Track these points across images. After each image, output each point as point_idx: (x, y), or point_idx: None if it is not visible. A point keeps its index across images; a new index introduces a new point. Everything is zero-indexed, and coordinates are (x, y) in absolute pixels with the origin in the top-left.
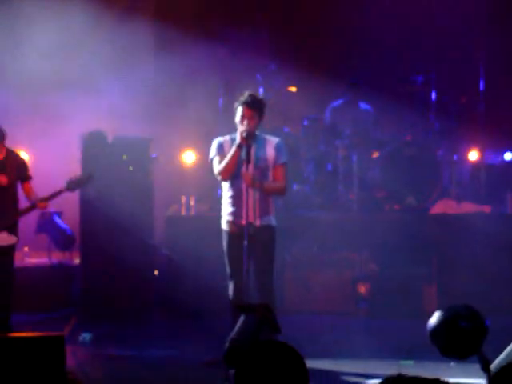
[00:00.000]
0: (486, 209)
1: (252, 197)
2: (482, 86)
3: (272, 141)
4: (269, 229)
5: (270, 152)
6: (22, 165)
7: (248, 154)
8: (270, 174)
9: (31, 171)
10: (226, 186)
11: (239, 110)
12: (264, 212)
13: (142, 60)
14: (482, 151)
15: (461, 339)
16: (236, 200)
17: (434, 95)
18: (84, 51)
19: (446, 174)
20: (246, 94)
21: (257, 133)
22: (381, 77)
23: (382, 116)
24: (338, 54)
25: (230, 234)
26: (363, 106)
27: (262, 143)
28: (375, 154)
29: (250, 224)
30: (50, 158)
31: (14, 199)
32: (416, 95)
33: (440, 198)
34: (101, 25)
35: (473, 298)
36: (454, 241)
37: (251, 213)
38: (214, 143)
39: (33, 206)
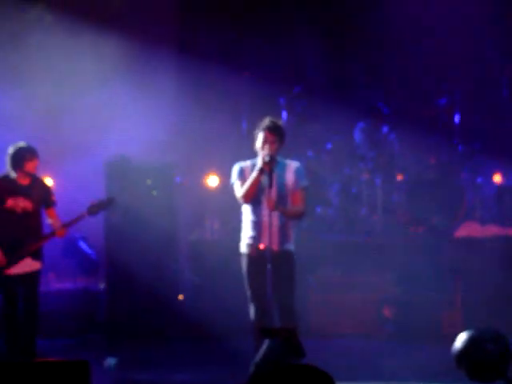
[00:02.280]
0: (511, 232)
1: (273, 222)
2: (506, 107)
3: (292, 166)
4: (288, 254)
5: (290, 177)
6: (46, 190)
7: (270, 178)
8: (289, 198)
9: (56, 197)
10: (247, 210)
11: (260, 136)
12: (284, 237)
13: (166, 85)
14: (507, 173)
15: (487, 363)
16: (257, 224)
17: (457, 118)
18: (109, 77)
19: (470, 197)
20: (267, 119)
21: (277, 158)
22: (404, 100)
23: (405, 139)
24: (362, 77)
25: (250, 258)
26: (386, 129)
27: (283, 168)
28: (399, 177)
29: (268, 249)
30: (74, 185)
31: (38, 225)
32: (440, 118)
33: (464, 221)
34: (126, 51)
35: (497, 322)
36: (479, 264)
37: (271, 238)
38: (235, 168)
39: (52, 234)
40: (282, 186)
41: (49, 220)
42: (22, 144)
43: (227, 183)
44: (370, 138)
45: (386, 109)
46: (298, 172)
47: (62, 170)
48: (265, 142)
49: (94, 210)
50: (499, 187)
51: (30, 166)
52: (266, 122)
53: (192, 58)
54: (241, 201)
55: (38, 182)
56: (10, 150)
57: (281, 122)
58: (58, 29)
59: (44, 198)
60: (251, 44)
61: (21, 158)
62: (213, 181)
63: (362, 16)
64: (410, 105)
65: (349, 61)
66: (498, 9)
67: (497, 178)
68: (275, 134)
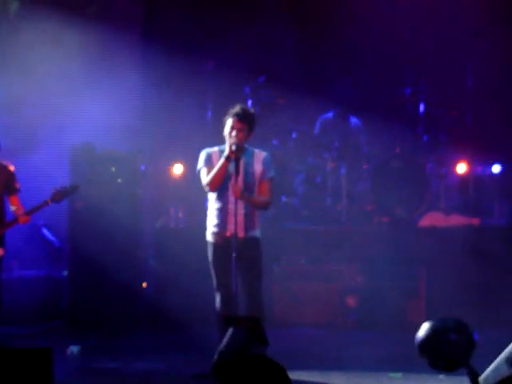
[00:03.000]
0: (475, 221)
1: (239, 209)
2: (469, 97)
3: (260, 155)
4: (254, 241)
5: (258, 166)
6: (10, 177)
7: (237, 166)
8: (256, 188)
9: (19, 184)
10: (212, 198)
11: (229, 122)
12: (250, 225)
13: (130, 74)
14: (470, 163)
15: (449, 351)
16: (222, 212)
17: (422, 108)
18: (70, 65)
19: (434, 187)
20: (238, 106)
21: (246, 146)
22: (369, 90)
23: (370, 129)
24: (327, 66)
25: (216, 246)
26: (352, 119)
27: (251, 157)
28: (364, 167)
29: (234, 235)
30: (38, 172)
31: (1, 211)
32: (404, 108)
33: (428, 211)
34: (88, 40)
35: (460, 311)
36: (442, 253)
37: (237, 225)
38: (202, 154)
39: (15, 221)
40: (248, 175)
41: (12, 207)
42: None
43: (192, 171)
44: (335, 129)
45: (351, 98)
46: (265, 162)
47: (26, 157)
48: (232, 128)
49: (57, 197)
50: (463, 177)
51: None
52: (236, 108)
53: (157, 45)
54: (207, 188)
55: (1, 169)
56: None
57: (252, 110)
58: (22, 17)
59: (7, 184)
60: (217, 31)
61: None
62: (178, 168)
63: (329, 5)
64: (375, 94)
65: (315, 50)
66: None
67: (460, 168)
68: (244, 121)
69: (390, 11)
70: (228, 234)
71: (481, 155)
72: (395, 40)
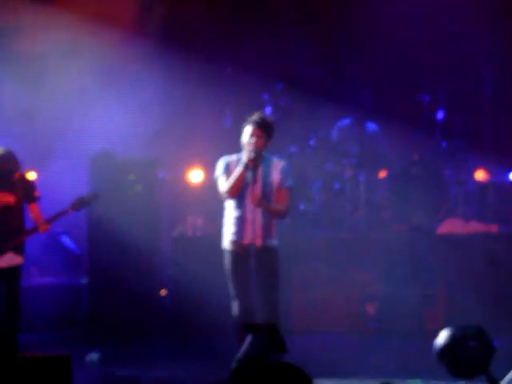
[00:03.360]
0: (493, 228)
1: (257, 218)
2: (489, 104)
3: (278, 164)
4: (271, 250)
5: (276, 175)
6: (29, 185)
7: (255, 174)
8: (274, 196)
9: (39, 192)
10: (230, 206)
11: (247, 130)
12: (267, 233)
13: (148, 81)
14: (489, 170)
15: (468, 359)
16: (240, 220)
17: (440, 114)
18: (88, 74)
19: (453, 194)
20: (256, 114)
21: (264, 154)
22: (388, 97)
23: (388, 136)
24: (345, 73)
25: (233, 254)
26: (370, 125)
27: (268, 165)
28: (382, 174)
29: (251, 244)
30: (58, 179)
31: (21, 220)
32: (423, 115)
33: (447, 218)
34: (106, 46)
35: (479, 318)
36: (461, 260)
37: (255, 234)
38: (221, 162)
39: (35, 229)
40: (266, 183)
41: (31, 215)
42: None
43: (211, 178)
44: (353, 135)
45: (369, 104)
46: (283, 171)
47: (45, 166)
48: (252, 136)
49: (77, 205)
50: (481, 184)
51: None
52: (255, 116)
53: (175, 52)
54: (225, 196)
55: (20, 177)
56: None
57: (270, 119)
58: (38, 21)
59: (27, 192)
60: (235, 38)
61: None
62: (196, 176)
63: (348, 13)
64: (394, 101)
65: (334, 56)
66: (485, 5)
67: (479, 175)
68: (262, 129)
69: (409, 19)
70: (245, 242)
71: (500, 162)
72: (414, 47)
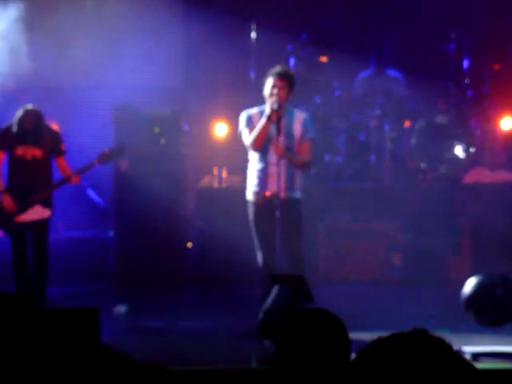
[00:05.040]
0: None
1: (281, 170)
2: None
3: (300, 116)
4: (294, 202)
5: (298, 127)
6: (56, 138)
7: (278, 126)
8: (296, 148)
9: (65, 145)
10: (254, 159)
11: (270, 82)
12: (290, 185)
13: (174, 33)
14: None
15: (496, 306)
16: (263, 172)
17: (466, 63)
18: (112, 27)
19: (479, 143)
20: (278, 66)
21: (286, 106)
22: (413, 45)
23: (413, 85)
24: (370, 23)
25: (257, 205)
26: (392, 72)
27: (291, 118)
28: (408, 123)
29: (275, 195)
30: (84, 132)
31: (48, 173)
32: (448, 63)
33: (473, 167)
34: (129, 2)
35: (506, 266)
36: (487, 210)
37: (279, 185)
38: (243, 116)
39: (66, 180)
40: (289, 136)
41: (59, 168)
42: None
43: (235, 131)
44: (374, 85)
45: (390, 52)
46: (305, 123)
47: (70, 119)
48: (274, 87)
49: (104, 158)
50: (508, 132)
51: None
52: (277, 68)
53: (198, 5)
54: (250, 148)
55: (47, 130)
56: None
57: (292, 71)
58: None
59: (53, 146)
60: None
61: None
62: (221, 129)
63: None
64: (419, 50)
65: (357, 6)
66: None
67: (505, 124)
68: (285, 80)
69: None
70: (268, 193)
71: None
72: None
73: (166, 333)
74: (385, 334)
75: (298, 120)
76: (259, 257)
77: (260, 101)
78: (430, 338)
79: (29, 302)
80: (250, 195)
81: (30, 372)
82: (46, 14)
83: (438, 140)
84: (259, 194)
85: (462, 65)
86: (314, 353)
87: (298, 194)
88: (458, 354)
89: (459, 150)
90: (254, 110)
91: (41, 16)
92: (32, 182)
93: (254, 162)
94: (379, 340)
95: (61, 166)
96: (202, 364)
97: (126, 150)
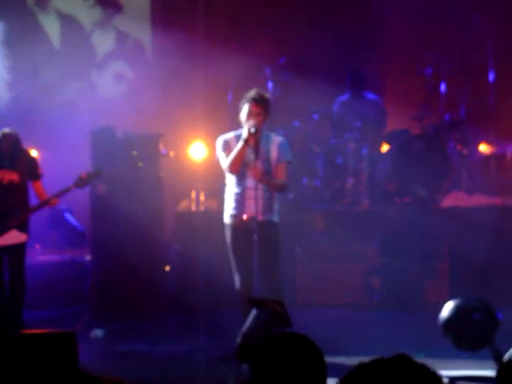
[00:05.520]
0: (497, 201)
1: (258, 193)
2: (491, 76)
3: (276, 139)
4: (271, 225)
5: (274, 151)
6: (32, 163)
7: (256, 150)
8: (272, 172)
9: (42, 169)
10: (231, 182)
11: (246, 107)
12: (268, 208)
13: (149, 56)
14: (493, 142)
15: (473, 331)
16: (240, 196)
17: (443, 87)
18: (89, 49)
19: (456, 166)
20: (253, 91)
21: (263, 131)
22: (390, 69)
23: (392, 109)
24: (348, 47)
25: (234, 228)
26: (370, 96)
27: (267, 142)
28: (385, 147)
29: (252, 218)
30: (60, 155)
31: (25, 197)
32: (426, 87)
33: (451, 191)
34: (106, 22)
35: (484, 291)
36: (465, 233)
37: (256, 209)
38: (219, 140)
39: (42, 204)
40: (266, 159)
41: (35, 192)
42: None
43: (213, 154)
44: (353, 109)
45: (367, 76)
46: (281, 146)
47: (48, 141)
48: (250, 113)
49: (80, 183)
50: (485, 156)
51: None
52: (252, 93)
53: (176, 26)
54: (227, 172)
55: (23, 154)
56: None
57: (267, 94)
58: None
59: (30, 170)
60: (238, 12)
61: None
62: (198, 152)
63: None
64: (396, 75)
65: (336, 31)
66: None
67: (483, 147)
68: (261, 106)
69: None
70: (246, 216)
71: (503, 134)
72: (416, 19)
73: (144, 357)
74: (363, 358)
75: (275, 144)
76: (237, 280)
77: (237, 123)
78: (413, 364)
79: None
80: (227, 218)
81: None
82: (20, 39)
83: (415, 164)
84: (237, 217)
85: (439, 88)
86: (289, 377)
87: (275, 218)
88: (442, 380)
89: (436, 175)
90: (231, 135)
91: (15, 40)
92: (8, 207)
93: (231, 186)
94: (361, 366)
95: (37, 190)
96: None
97: (103, 173)
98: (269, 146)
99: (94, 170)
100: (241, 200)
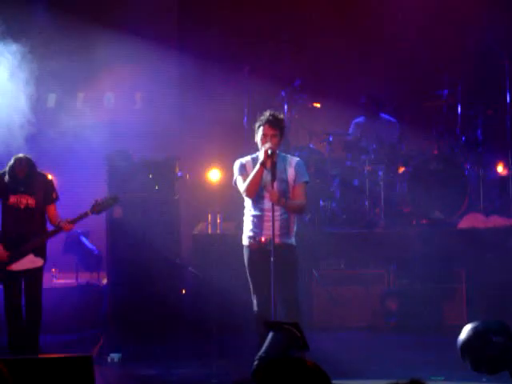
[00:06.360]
0: None
1: (275, 216)
2: (508, 97)
3: (292, 161)
4: (289, 248)
5: (291, 172)
6: (49, 186)
7: (273, 172)
8: (290, 193)
9: (58, 193)
10: (248, 205)
11: (260, 130)
12: (285, 231)
13: (168, 80)
14: (510, 163)
15: (492, 354)
16: (258, 218)
17: (459, 108)
18: (109, 73)
19: (473, 188)
20: (267, 113)
21: (278, 152)
22: (406, 91)
23: (408, 131)
24: (363, 69)
25: (252, 251)
26: (386, 117)
27: (283, 163)
28: (402, 169)
29: (270, 242)
30: (76, 180)
31: (42, 221)
32: (442, 109)
33: (468, 212)
34: (128, 51)
35: (502, 313)
36: (482, 255)
37: (274, 231)
38: (236, 165)
39: (58, 229)
40: (283, 181)
41: (49, 216)
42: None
43: (229, 176)
44: (368, 130)
45: (384, 98)
46: (298, 166)
47: (64, 166)
48: (265, 136)
49: (97, 208)
50: (502, 177)
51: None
52: (267, 115)
53: (193, 52)
54: (245, 195)
55: (40, 179)
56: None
57: (282, 116)
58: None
59: (46, 193)
60: (253, 35)
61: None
62: (214, 174)
63: (365, 7)
64: (413, 97)
65: (351, 53)
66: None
67: (500, 169)
68: (276, 127)
69: (426, 12)
70: (264, 239)
71: None
72: (432, 40)
73: (160, 381)
74: (380, 382)
75: (291, 164)
76: (255, 302)
77: (253, 145)
78: None
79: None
80: (245, 240)
81: None
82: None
83: (431, 185)
84: (254, 239)
85: (455, 110)
86: None
87: (293, 240)
88: None
89: (453, 196)
90: (247, 158)
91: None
92: (25, 231)
93: (249, 208)
94: None
95: (50, 214)
96: None
97: (120, 198)
98: (286, 167)
99: (111, 196)
100: (258, 222)
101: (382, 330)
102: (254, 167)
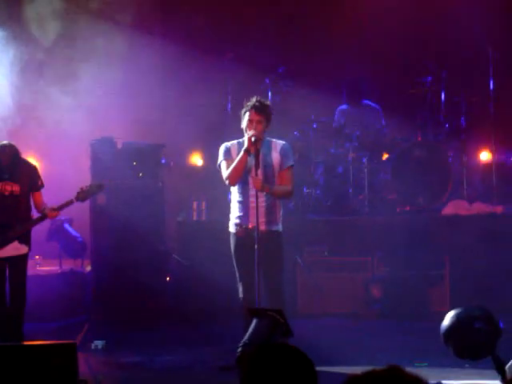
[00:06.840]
0: (498, 209)
1: (260, 202)
2: (491, 85)
3: (277, 144)
4: (275, 234)
5: (276, 156)
6: (33, 173)
7: (257, 159)
8: (276, 178)
9: (42, 180)
10: (234, 191)
11: (247, 115)
12: (271, 217)
13: (151, 65)
14: (493, 151)
15: (475, 340)
16: (244, 205)
17: (443, 95)
18: (93, 59)
19: (456, 175)
20: (254, 98)
21: (263, 138)
22: (390, 78)
23: (392, 118)
24: (347, 55)
25: (238, 237)
26: (369, 104)
27: (268, 148)
28: (385, 156)
29: (256, 228)
30: (60, 166)
31: (27, 208)
32: (426, 96)
33: (451, 199)
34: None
35: (485, 299)
36: (466, 242)
37: (259, 218)
38: (221, 148)
39: (43, 216)
40: (268, 166)
41: (34, 203)
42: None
43: (213, 162)
44: (352, 118)
45: (367, 85)
46: (283, 151)
47: (48, 152)
48: (251, 121)
49: (82, 195)
50: (485, 165)
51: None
52: (253, 101)
53: (176, 39)
54: (227, 182)
55: (25, 165)
56: None
57: (268, 102)
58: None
59: (31, 181)
60: (236, 22)
61: None
62: (198, 160)
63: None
64: (396, 84)
65: (335, 40)
66: None
67: (483, 156)
68: (262, 113)
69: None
70: (250, 226)
71: (503, 142)
72: (416, 27)
73: (144, 368)
74: (363, 367)
75: (276, 149)
76: (240, 289)
77: (237, 132)
78: (405, 376)
79: (4, 337)
80: (231, 227)
81: None
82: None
83: (415, 172)
84: (241, 226)
85: (439, 97)
86: None
87: (279, 227)
88: None
89: (437, 183)
90: (233, 143)
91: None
92: (10, 218)
93: (234, 195)
94: (353, 378)
95: (36, 201)
96: None
97: (105, 186)
98: (270, 152)
99: (95, 183)
100: (244, 209)
101: (366, 316)
102: (239, 152)
